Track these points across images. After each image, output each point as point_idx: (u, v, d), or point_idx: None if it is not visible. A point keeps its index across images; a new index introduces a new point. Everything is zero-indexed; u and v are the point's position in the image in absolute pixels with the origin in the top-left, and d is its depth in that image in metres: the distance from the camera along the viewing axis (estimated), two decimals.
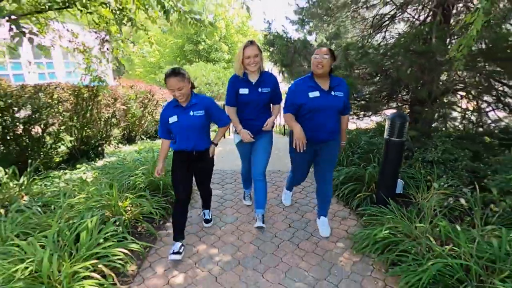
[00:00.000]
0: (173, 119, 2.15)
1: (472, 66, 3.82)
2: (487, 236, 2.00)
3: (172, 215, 2.34)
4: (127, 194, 2.71)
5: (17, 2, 2.34)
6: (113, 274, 1.86)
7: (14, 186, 3.09)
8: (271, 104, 2.64)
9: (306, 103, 2.22)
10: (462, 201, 2.65)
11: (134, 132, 6.41)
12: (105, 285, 1.75)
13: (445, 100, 4.42)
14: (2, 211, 2.47)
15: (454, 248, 1.87)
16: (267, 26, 5.87)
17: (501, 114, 4.18)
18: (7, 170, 3.20)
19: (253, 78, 2.45)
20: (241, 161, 2.89)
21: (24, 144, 3.70)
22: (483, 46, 3.75)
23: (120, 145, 5.92)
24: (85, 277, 1.69)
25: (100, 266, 1.82)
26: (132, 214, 2.57)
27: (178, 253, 2.18)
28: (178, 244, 2.25)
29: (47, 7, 2.65)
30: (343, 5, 5.96)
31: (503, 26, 3.54)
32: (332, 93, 2.22)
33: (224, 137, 6.96)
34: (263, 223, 2.66)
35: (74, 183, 3.11)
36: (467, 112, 4.55)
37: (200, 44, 19.27)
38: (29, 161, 3.34)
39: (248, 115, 2.51)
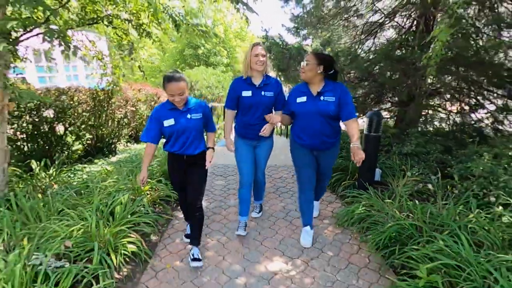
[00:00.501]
0: (169, 122, 2.10)
1: (446, 71, 4.34)
2: (440, 209, 2.50)
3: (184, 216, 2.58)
4: (148, 180, 3.20)
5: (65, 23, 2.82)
6: (141, 239, 2.34)
7: (45, 176, 3.56)
8: (273, 110, 2.58)
9: (294, 108, 2.30)
10: (430, 186, 3.19)
11: (140, 132, 6.91)
12: (137, 245, 2.23)
13: (424, 102, 4.95)
14: (44, 194, 2.95)
15: (410, 214, 2.38)
16: (264, 34, 6.37)
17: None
18: (38, 163, 3.67)
19: (257, 81, 2.46)
20: (240, 168, 2.63)
21: (49, 141, 4.17)
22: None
23: (128, 144, 6.40)
24: (124, 237, 2.18)
25: (133, 231, 2.30)
26: (152, 197, 3.05)
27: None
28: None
29: (81, 23, 3.13)
30: (335, 14, 6.47)
31: (473, 36, 4.06)
32: (321, 98, 2.22)
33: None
34: (261, 211, 3.06)
35: (98, 173, 3.59)
36: (451, 114, 5.10)
37: (199, 49, 19.85)
38: (56, 155, 3.81)
39: (251, 119, 2.48)
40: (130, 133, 6.70)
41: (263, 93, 2.44)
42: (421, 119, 5.23)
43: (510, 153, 3.14)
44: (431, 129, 5.23)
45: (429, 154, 3.77)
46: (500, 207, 2.35)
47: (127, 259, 2.15)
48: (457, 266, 1.75)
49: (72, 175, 3.92)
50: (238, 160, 2.63)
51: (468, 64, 4.04)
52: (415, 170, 3.47)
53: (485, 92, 4.52)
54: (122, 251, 2.07)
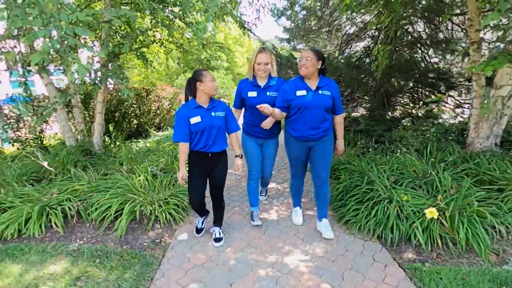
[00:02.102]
0: (196, 119, 2.20)
1: (389, 76, 6.10)
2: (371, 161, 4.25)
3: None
4: None
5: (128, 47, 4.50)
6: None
7: (115, 146, 5.25)
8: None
9: (293, 100, 2.38)
10: (370, 149, 4.95)
11: (163, 123, 8.61)
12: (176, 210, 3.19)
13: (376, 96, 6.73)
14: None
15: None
16: (261, 44, 8.07)
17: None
18: (109, 136, 5.37)
19: (262, 82, 2.57)
20: (249, 163, 2.78)
21: (113, 123, 5.88)
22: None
23: (155, 131, 8.12)
24: (167, 202, 3.03)
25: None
26: None
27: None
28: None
29: (140, 45, 4.80)
30: (319, 27, 8.22)
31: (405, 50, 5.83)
32: (319, 91, 2.35)
33: None
34: (266, 194, 3.56)
35: (147, 147, 5.30)
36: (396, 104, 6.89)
37: (202, 54, 21.55)
38: (118, 133, 5.51)
39: (257, 118, 2.57)
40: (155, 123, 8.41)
41: (268, 93, 2.55)
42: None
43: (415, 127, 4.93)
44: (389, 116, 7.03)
45: (374, 131, 5.53)
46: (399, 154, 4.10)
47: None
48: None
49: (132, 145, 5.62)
50: (246, 156, 2.77)
51: (403, 70, 5.81)
52: (363, 140, 5.23)
53: (421, 90, 6.33)
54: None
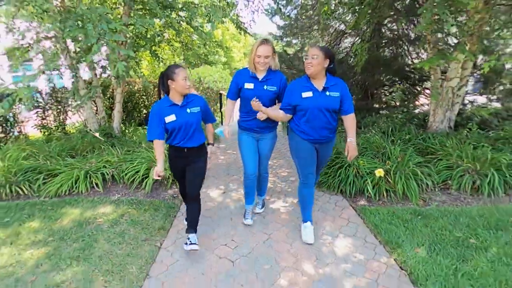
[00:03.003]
0: (170, 118, 2.14)
1: (372, 70, 6.94)
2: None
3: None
4: None
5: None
6: None
7: (129, 131, 6.06)
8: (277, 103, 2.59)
9: (299, 104, 2.26)
10: None
11: None
12: None
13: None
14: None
15: None
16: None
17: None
18: (123, 125, 6.17)
19: (260, 75, 2.44)
20: (244, 160, 2.66)
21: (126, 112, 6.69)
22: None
23: None
24: None
25: None
26: None
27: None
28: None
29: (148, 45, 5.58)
30: (310, 25, 8.97)
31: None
32: (326, 93, 2.22)
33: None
34: (263, 206, 3.06)
35: None
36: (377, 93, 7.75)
37: (200, 49, 22.20)
38: (131, 120, 6.33)
39: (251, 111, 2.47)
40: None
41: (265, 87, 2.43)
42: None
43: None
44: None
45: None
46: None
47: None
48: None
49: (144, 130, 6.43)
50: (242, 153, 2.67)
51: (381, 65, 6.65)
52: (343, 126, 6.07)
53: (399, 83, 7.18)
54: None
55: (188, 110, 2.21)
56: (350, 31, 8.33)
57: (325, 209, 3.13)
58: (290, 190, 3.70)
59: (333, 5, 5.27)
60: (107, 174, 3.68)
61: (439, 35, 5.16)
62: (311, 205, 2.58)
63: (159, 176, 2.20)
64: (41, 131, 5.99)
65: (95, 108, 5.47)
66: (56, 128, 6.11)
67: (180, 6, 4.75)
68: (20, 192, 3.47)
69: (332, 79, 2.28)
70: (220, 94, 9.94)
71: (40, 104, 5.88)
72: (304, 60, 2.25)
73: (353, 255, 2.33)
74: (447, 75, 4.69)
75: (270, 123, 2.60)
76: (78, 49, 4.32)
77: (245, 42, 23.79)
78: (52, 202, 3.26)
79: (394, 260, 2.23)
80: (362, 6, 4.77)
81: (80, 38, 3.49)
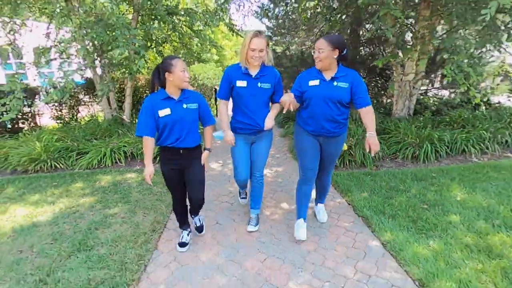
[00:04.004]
0: (164, 112, 1.96)
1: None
2: None
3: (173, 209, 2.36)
4: None
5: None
6: None
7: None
8: (271, 103, 2.44)
9: (306, 91, 2.17)
10: None
11: None
12: None
13: None
14: None
15: None
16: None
17: None
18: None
19: (253, 72, 2.28)
20: (235, 166, 2.52)
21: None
22: None
23: None
24: None
25: None
26: None
27: (184, 244, 2.32)
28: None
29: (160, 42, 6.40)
30: (295, 27, 9.90)
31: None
32: (334, 83, 2.11)
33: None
34: (257, 224, 2.66)
35: None
36: None
37: (195, 48, 22.92)
38: (136, 113, 7.16)
39: (246, 111, 2.32)
40: None
41: (259, 84, 2.28)
42: None
43: None
44: None
45: None
46: None
47: None
48: None
49: None
50: (234, 158, 2.52)
51: (355, 63, 7.64)
52: None
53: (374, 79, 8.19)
54: None
55: (185, 106, 2.02)
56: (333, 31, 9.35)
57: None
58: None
59: (309, 13, 6.20)
60: (127, 151, 4.55)
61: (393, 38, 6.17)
62: (308, 202, 2.48)
63: (150, 178, 2.04)
64: (57, 122, 6.78)
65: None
66: (70, 119, 6.91)
67: (182, 12, 5.63)
68: (58, 166, 4.32)
69: (343, 70, 2.16)
70: (215, 89, 10.81)
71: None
72: (313, 53, 2.14)
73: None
74: (405, 71, 5.70)
75: None
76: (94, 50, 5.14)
77: (236, 40, 24.58)
78: (86, 173, 4.13)
79: (346, 200, 3.19)
80: (332, 17, 5.73)
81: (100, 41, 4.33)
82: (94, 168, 4.32)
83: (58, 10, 3.93)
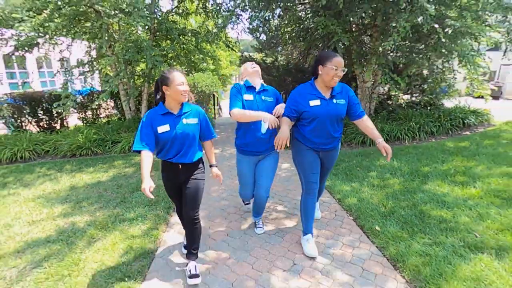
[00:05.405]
0: (164, 128, 1.95)
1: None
2: None
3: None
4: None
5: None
6: None
7: None
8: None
9: (307, 111, 2.18)
10: None
11: None
12: None
13: None
14: None
15: None
16: (240, 54, 11.26)
17: None
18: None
19: (255, 85, 2.42)
20: (241, 184, 2.66)
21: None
22: None
23: None
24: None
25: None
26: None
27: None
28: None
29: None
30: (284, 42, 11.45)
31: None
32: (334, 101, 2.19)
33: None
34: (263, 224, 2.88)
35: None
36: None
37: (195, 59, 24.49)
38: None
39: (255, 127, 2.36)
40: None
41: (263, 97, 2.39)
42: None
43: None
44: None
45: None
46: None
47: None
48: None
49: None
50: (240, 179, 2.63)
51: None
52: None
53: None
54: None
55: (184, 121, 2.01)
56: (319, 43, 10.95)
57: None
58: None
59: (287, 36, 7.83)
60: None
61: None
62: (313, 216, 2.49)
63: (150, 191, 1.79)
64: (82, 122, 8.18)
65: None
66: (93, 120, 8.30)
67: (189, 34, 7.15)
68: (98, 151, 5.72)
69: (338, 86, 2.23)
70: (213, 95, 12.32)
71: (81, 102, 8.09)
72: (330, 70, 2.08)
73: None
74: (364, 79, 7.26)
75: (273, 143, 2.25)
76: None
77: (230, 52, 26.18)
78: (121, 156, 5.55)
79: None
80: (308, 37, 7.30)
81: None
82: (125, 153, 5.72)
83: (106, 38, 5.37)
